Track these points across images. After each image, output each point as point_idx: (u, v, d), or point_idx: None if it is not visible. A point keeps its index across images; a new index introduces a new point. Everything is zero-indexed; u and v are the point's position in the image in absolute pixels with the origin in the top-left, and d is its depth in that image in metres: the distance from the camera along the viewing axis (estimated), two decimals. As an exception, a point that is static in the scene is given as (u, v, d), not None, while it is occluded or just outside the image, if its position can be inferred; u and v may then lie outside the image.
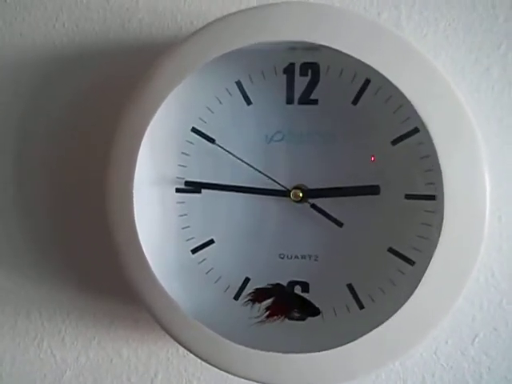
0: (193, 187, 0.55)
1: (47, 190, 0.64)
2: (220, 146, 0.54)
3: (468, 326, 0.56)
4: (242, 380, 0.51)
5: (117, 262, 0.52)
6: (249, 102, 0.54)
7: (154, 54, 0.54)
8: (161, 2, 0.60)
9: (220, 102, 0.55)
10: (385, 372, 0.58)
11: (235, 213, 0.56)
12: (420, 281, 0.46)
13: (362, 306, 0.53)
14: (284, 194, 0.53)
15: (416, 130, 0.49)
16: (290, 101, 0.53)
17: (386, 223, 0.52)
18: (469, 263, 0.46)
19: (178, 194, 0.56)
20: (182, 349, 0.55)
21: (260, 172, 0.54)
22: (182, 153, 0.56)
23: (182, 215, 0.57)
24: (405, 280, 0.51)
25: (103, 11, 0.62)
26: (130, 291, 0.52)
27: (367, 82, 0.51)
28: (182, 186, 0.56)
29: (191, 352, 0.51)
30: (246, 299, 0.54)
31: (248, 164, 0.54)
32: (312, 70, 0.53)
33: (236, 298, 0.56)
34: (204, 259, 0.57)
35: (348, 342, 0.48)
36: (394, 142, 0.51)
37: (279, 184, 0.53)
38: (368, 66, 0.46)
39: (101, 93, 0.62)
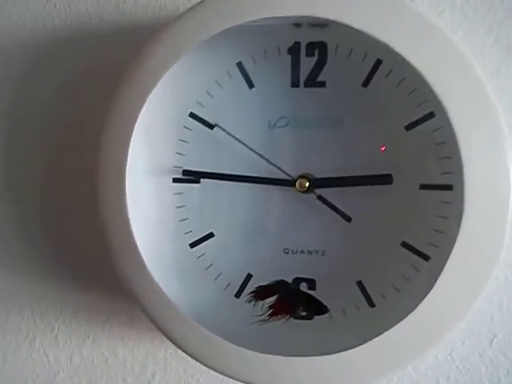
0: (191, 177, 0.54)
1: (37, 180, 0.64)
2: (222, 129, 0.53)
3: (486, 326, 0.54)
4: (244, 384, 0.50)
5: (109, 257, 0.51)
6: (251, 85, 0.53)
7: (149, 36, 0.52)
8: (157, -20, 0.59)
9: (220, 86, 0.53)
10: (397, 375, 0.57)
11: (236, 204, 0.55)
12: (437, 278, 0.44)
13: (372, 305, 0.51)
14: (289, 183, 0.51)
15: (431, 115, 0.47)
16: (295, 83, 0.52)
17: (398, 215, 0.50)
18: (490, 260, 0.44)
19: (176, 184, 0.55)
20: (180, 349, 0.55)
21: (264, 158, 0.52)
22: (180, 140, 0.54)
23: (179, 207, 0.55)
24: (419, 277, 0.49)
25: (96, -10, 0.60)
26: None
27: (379, 62, 0.49)
28: (180, 176, 0.54)
29: (189, 354, 0.50)
30: (248, 297, 0.53)
31: (251, 149, 0.52)
32: (319, 49, 0.51)
33: (237, 295, 0.54)
34: (203, 254, 0.55)
35: (358, 345, 0.46)
36: (408, 127, 0.49)
37: (284, 172, 0.52)
38: (380, 45, 0.44)
39: (94, 76, 0.61)
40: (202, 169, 0.53)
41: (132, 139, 0.49)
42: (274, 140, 0.53)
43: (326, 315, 0.52)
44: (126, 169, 0.49)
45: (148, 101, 0.49)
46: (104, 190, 0.50)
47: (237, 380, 0.49)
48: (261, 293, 0.53)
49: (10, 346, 0.67)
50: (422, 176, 0.49)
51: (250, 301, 0.53)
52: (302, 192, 0.51)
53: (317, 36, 0.50)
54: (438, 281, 0.44)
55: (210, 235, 0.55)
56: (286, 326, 0.52)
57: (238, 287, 0.54)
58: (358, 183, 0.50)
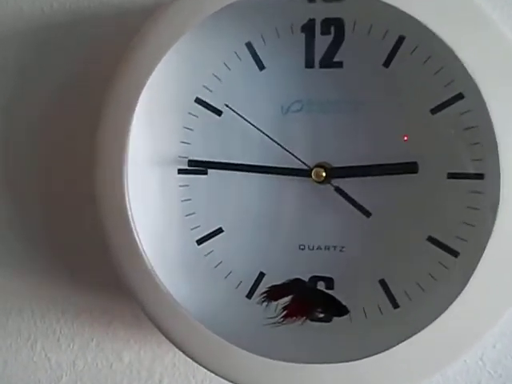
0: (198, 167, 0.52)
1: (37, 179, 0.63)
2: (232, 110, 0.51)
3: (519, 328, 0.53)
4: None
5: (109, 256, 0.51)
6: (261, 67, 0.51)
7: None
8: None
9: (228, 68, 0.52)
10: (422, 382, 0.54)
11: (247, 197, 0.53)
12: (470, 277, 0.42)
13: (396, 306, 0.49)
14: (304, 173, 0.50)
15: (460, 96, 0.45)
16: (309, 64, 0.50)
17: (424, 207, 0.49)
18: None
19: (181, 176, 0.53)
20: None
21: (278, 144, 0.50)
22: (185, 127, 0.53)
23: (185, 200, 0.54)
24: (448, 275, 0.47)
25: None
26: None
27: (401, 39, 0.47)
28: (185, 167, 0.53)
29: (195, 360, 0.48)
30: (261, 298, 0.51)
31: (265, 133, 0.50)
32: (335, 26, 0.49)
33: (249, 296, 0.53)
34: (211, 251, 0.54)
35: (380, 352, 0.44)
36: (434, 110, 0.47)
37: (300, 160, 0.50)
38: (403, 19, 0.42)
39: (94, 61, 0.59)
40: (210, 158, 0.52)
41: (132, 127, 0.48)
42: (288, 126, 0.51)
43: (345, 317, 0.50)
44: (126, 160, 0.48)
45: (148, 84, 0.47)
46: (102, 182, 0.49)
47: (250, 388, 0.48)
48: (274, 293, 0.51)
49: (11, 349, 0.66)
50: (450, 164, 0.47)
51: (263, 302, 0.51)
52: (319, 183, 0.49)
53: (333, 12, 0.48)
54: (471, 279, 0.42)
55: (219, 231, 0.53)
56: (302, 329, 0.50)
57: (250, 287, 0.53)
58: (379, 172, 0.48)
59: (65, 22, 0.60)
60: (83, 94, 0.60)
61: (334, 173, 0.49)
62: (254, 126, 0.50)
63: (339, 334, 0.49)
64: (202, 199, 0.54)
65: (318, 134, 0.51)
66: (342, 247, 0.51)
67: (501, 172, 0.41)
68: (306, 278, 0.52)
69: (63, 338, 0.64)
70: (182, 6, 0.46)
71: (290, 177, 0.51)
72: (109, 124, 0.48)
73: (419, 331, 0.43)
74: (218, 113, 0.51)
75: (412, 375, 0.44)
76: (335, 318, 0.50)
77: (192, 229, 0.53)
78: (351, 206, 0.49)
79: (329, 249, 0.51)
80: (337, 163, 0.50)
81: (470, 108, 0.44)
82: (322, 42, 0.49)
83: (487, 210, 0.43)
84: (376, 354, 0.44)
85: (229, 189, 0.53)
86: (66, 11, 0.59)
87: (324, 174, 0.49)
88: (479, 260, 0.42)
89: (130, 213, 0.48)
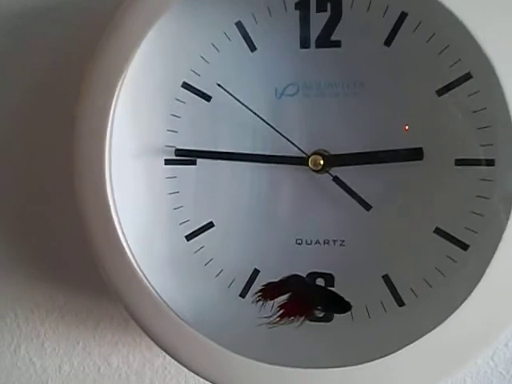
0: (186, 157, 0.51)
1: (15, 178, 0.62)
2: (225, 90, 0.49)
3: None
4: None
5: (92, 254, 0.49)
6: (253, 48, 0.50)
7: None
8: None
9: (217, 50, 0.50)
10: None
11: (239, 188, 0.52)
12: (483, 272, 0.40)
13: (401, 303, 0.48)
14: (301, 161, 0.48)
15: (468, 76, 0.44)
16: (305, 44, 0.49)
17: (430, 197, 0.47)
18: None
19: (168, 167, 0.52)
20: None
21: (273, 129, 0.48)
22: (172, 115, 0.52)
23: (172, 193, 0.52)
24: (456, 270, 0.46)
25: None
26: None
27: (403, 15, 0.45)
28: (173, 157, 0.51)
29: (186, 366, 0.46)
30: (255, 297, 0.49)
31: (260, 117, 0.48)
32: (332, 2, 0.47)
33: (242, 295, 0.51)
34: (201, 247, 0.52)
35: (384, 355, 0.42)
36: (440, 92, 0.45)
37: (296, 146, 0.48)
38: None
39: (72, 47, 0.58)
40: (198, 147, 0.51)
41: (113, 114, 0.46)
42: (282, 111, 0.50)
43: (347, 314, 0.48)
44: (106, 149, 0.46)
45: (130, 69, 0.46)
46: (82, 175, 0.47)
47: (244, 396, 0.46)
48: (270, 291, 0.49)
49: (-7, 353, 0.66)
50: (458, 149, 0.46)
51: (258, 301, 0.49)
52: (316, 172, 0.48)
53: (329, -14, 0.48)
54: (484, 276, 0.40)
55: (210, 225, 0.52)
56: (300, 330, 0.48)
57: (243, 285, 0.51)
58: (381, 160, 0.47)
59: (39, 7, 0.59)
60: (62, 82, 0.59)
61: (333, 161, 0.48)
62: (248, 108, 0.49)
63: (340, 336, 0.48)
64: (191, 191, 0.52)
65: (314, 120, 0.49)
66: (342, 241, 0.50)
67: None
68: (304, 275, 0.50)
69: (48, 341, 0.64)
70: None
71: (286, 166, 0.50)
72: (88, 113, 0.47)
73: (426, 333, 0.41)
74: (207, 98, 0.50)
75: (417, 382, 0.43)
76: (336, 317, 0.49)
77: (180, 223, 0.52)
78: (351, 198, 0.48)
79: (328, 243, 0.50)
80: (335, 150, 0.48)
81: (478, 88, 0.43)
82: (318, 20, 0.48)
83: (498, 199, 0.42)
84: (379, 357, 0.42)
85: (219, 180, 0.52)
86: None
87: (322, 162, 0.47)
88: (493, 254, 0.40)
89: (112, 207, 0.46)
